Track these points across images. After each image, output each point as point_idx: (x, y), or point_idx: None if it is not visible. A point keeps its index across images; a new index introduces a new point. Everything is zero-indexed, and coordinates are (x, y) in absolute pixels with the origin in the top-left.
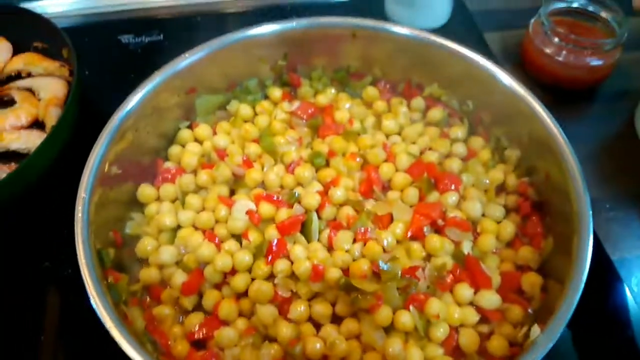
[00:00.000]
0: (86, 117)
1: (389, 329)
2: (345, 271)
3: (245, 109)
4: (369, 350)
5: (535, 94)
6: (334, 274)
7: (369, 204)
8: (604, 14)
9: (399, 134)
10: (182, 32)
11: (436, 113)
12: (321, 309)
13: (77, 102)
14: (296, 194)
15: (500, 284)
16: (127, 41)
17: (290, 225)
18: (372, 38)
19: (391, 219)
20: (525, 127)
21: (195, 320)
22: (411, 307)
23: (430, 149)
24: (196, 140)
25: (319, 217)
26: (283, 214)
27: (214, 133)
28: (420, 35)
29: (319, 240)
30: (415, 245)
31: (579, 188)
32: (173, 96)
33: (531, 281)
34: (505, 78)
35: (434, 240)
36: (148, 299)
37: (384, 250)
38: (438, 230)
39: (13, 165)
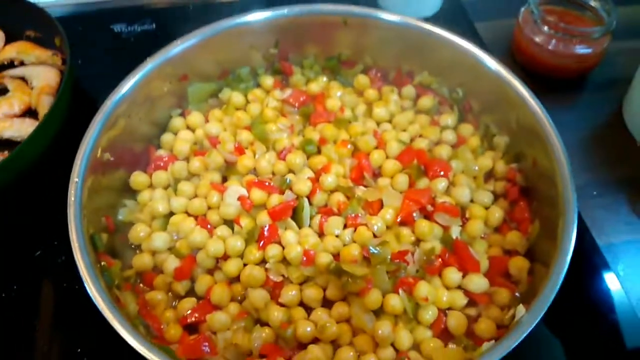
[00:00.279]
0: (78, 106)
1: (379, 312)
2: (336, 256)
3: (237, 97)
4: (359, 333)
5: (526, 83)
6: (324, 258)
7: (360, 190)
8: (592, 3)
9: (390, 121)
10: (174, 21)
11: (426, 101)
12: (312, 293)
13: (70, 91)
14: (287, 181)
15: (488, 268)
16: (120, 30)
17: (282, 211)
18: (363, 26)
19: (381, 204)
20: (513, 114)
21: (187, 305)
22: (400, 291)
23: (420, 136)
24: (188, 127)
25: (310, 203)
26: (274, 200)
27: (206, 121)
28: (410, 23)
29: (310, 225)
30: (405, 230)
31: (564, 171)
32: (165, 83)
33: (518, 265)
34: (494, 65)
35: (423, 225)
36: (141, 284)
37: (374, 236)
38: (427, 216)
39: (6, 154)
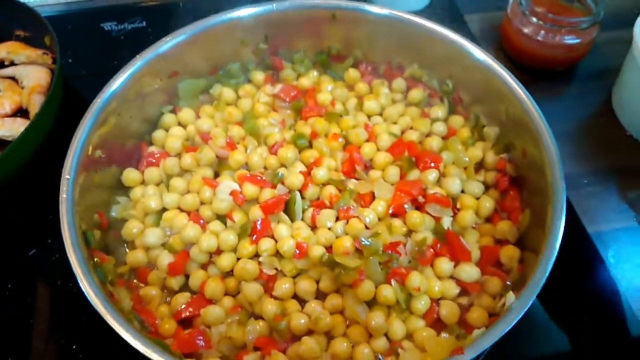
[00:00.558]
0: (69, 105)
1: (372, 303)
2: (329, 248)
3: (228, 93)
4: (352, 324)
5: (515, 74)
6: (317, 251)
7: (351, 183)
8: None
9: (381, 114)
10: (164, 18)
11: (417, 93)
12: (305, 285)
13: (61, 90)
14: (280, 175)
15: (479, 258)
16: (110, 28)
17: (274, 205)
18: (352, 19)
19: (373, 197)
20: (502, 105)
21: (182, 300)
22: (393, 281)
23: (411, 128)
24: (180, 124)
25: (302, 197)
26: (267, 194)
27: (198, 117)
28: (400, 16)
29: (302, 219)
30: (397, 222)
31: (553, 161)
32: (155, 80)
33: (509, 254)
34: (483, 57)
35: (415, 216)
36: (135, 280)
37: (366, 227)
38: (419, 207)
39: None
